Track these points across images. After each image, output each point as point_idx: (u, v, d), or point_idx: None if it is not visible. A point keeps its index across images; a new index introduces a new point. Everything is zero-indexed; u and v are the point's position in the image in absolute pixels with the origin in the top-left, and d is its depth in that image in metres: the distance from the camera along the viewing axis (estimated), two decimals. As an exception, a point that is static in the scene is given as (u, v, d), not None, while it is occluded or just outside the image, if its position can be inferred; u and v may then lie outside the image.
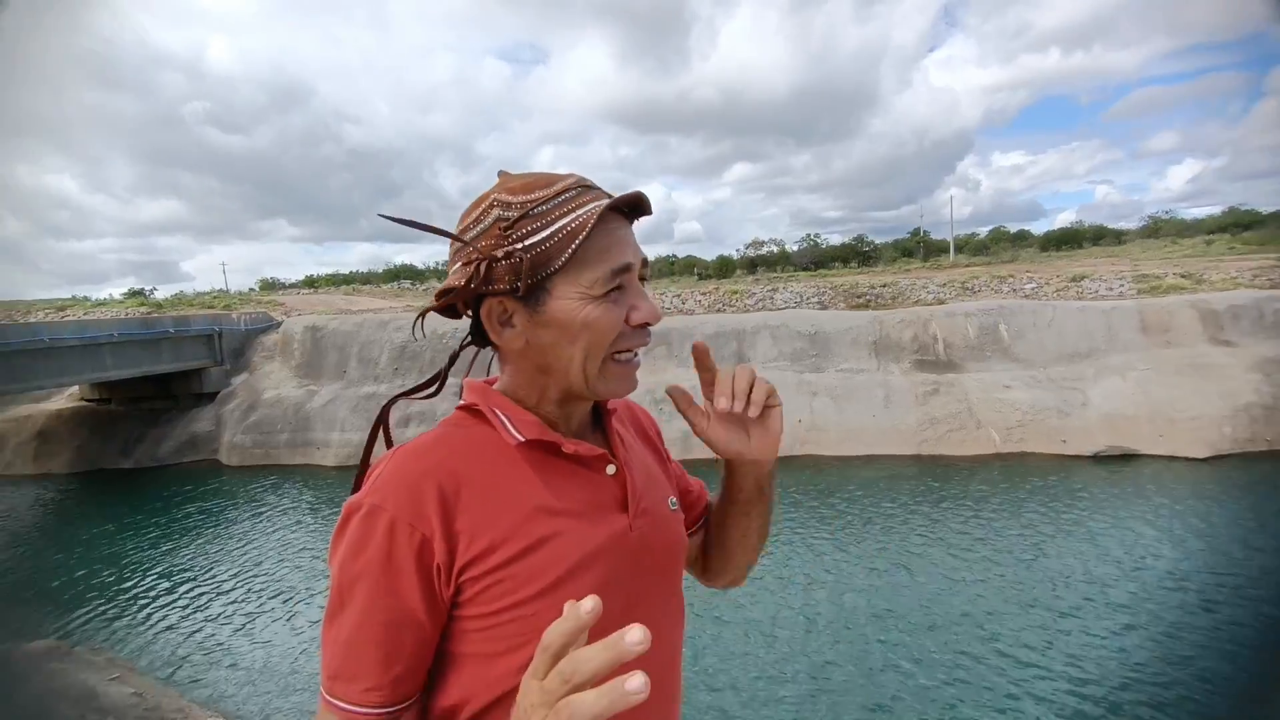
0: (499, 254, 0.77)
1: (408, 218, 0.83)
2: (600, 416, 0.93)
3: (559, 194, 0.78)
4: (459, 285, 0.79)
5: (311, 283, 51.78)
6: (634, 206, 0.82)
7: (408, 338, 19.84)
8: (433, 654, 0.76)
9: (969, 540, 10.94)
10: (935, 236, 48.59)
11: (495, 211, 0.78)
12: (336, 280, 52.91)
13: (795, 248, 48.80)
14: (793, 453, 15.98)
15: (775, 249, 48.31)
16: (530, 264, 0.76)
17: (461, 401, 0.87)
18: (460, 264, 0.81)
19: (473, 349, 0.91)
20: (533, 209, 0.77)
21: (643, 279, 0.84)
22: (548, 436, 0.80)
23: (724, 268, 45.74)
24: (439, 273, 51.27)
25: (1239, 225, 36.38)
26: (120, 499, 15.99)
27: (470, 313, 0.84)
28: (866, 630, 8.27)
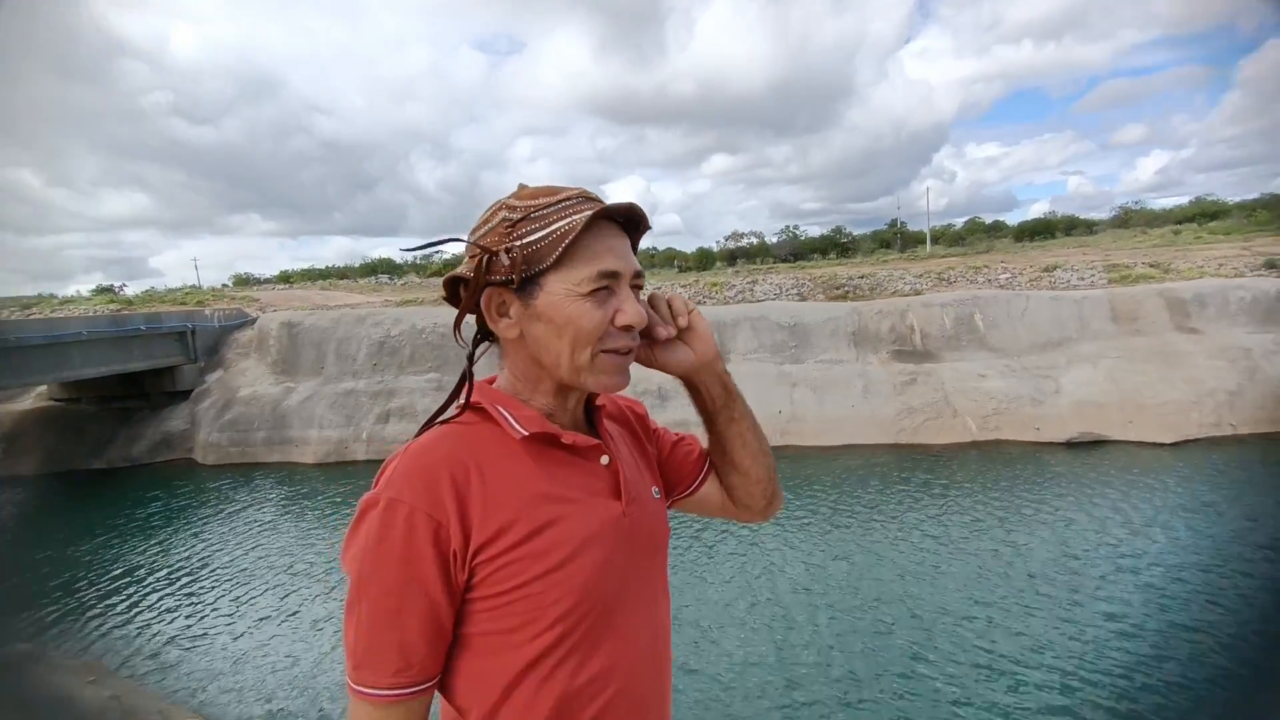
0: (499, 249, 0.85)
1: (422, 243, 0.98)
2: (592, 411, 1.00)
3: (560, 201, 0.86)
4: (460, 273, 0.89)
5: (286, 278, 50.96)
6: (631, 221, 0.90)
7: (386, 333, 19.66)
8: (450, 636, 0.81)
9: (945, 527, 11.12)
10: (912, 228, 49.09)
11: (502, 214, 0.87)
12: (312, 275, 52.16)
13: (774, 240, 49.06)
14: (773, 443, 15.90)
15: (755, 241, 48.50)
16: (524, 258, 0.84)
17: (463, 402, 0.93)
18: (468, 259, 0.89)
19: (481, 347, 0.99)
20: (533, 212, 0.85)
21: (636, 288, 0.91)
22: (548, 429, 0.87)
23: (704, 260, 45.83)
24: (417, 267, 50.74)
25: (1206, 215, 37.22)
26: (92, 500, 15.70)
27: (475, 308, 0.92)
28: (844, 617, 8.39)
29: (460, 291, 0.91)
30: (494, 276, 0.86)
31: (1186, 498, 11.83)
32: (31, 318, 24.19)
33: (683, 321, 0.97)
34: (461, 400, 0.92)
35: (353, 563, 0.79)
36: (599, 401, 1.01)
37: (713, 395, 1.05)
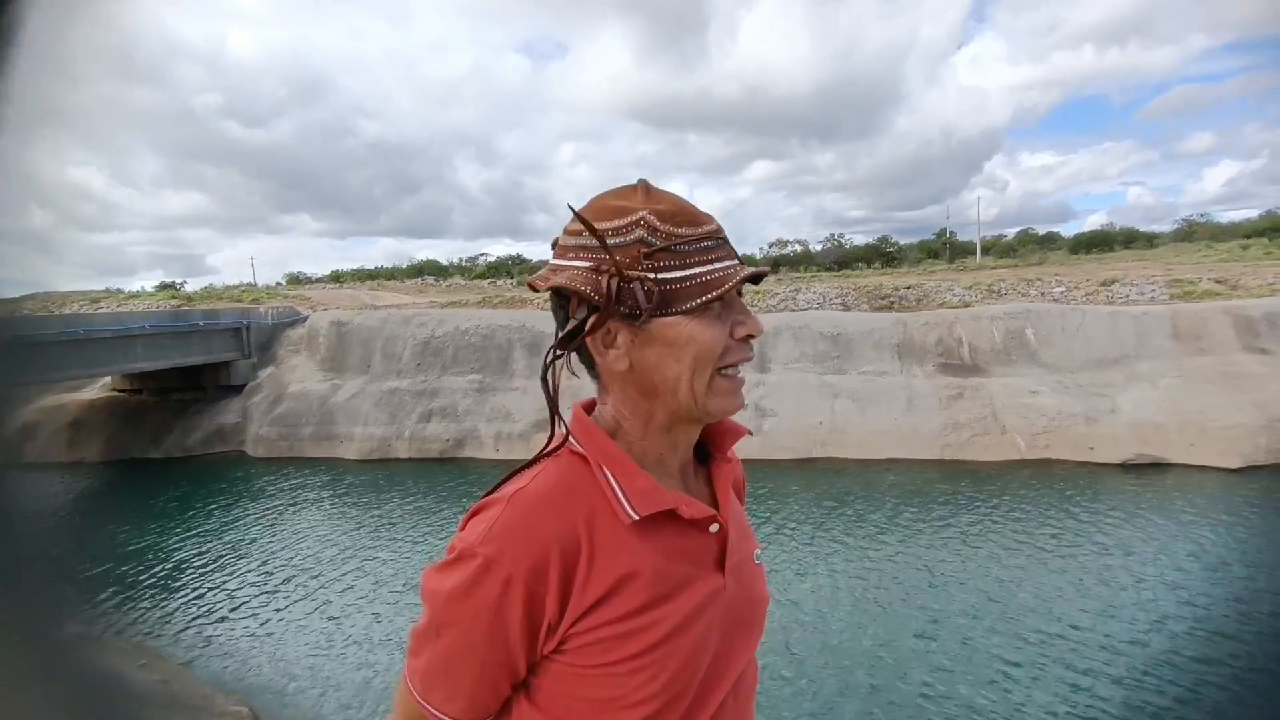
0: (634, 275, 0.76)
1: (576, 212, 0.80)
2: (702, 452, 0.92)
3: (702, 239, 0.78)
4: (583, 291, 0.77)
5: (337, 277, 52.39)
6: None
7: (430, 333, 20.03)
8: (518, 685, 0.79)
9: (992, 548, 10.78)
10: (961, 238, 47.86)
11: (640, 231, 0.77)
12: (361, 275, 53.46)
13: (819, 247, 48.41)
14: (813, 455, 15.87)
15: (798, 248, 47.98)
16: (660, 298, 0.76)
17: (570, 439, 0.83)
18: (587, 265, 0.78)
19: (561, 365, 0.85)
20: (676, 244, 0.77)
21: (739, 293, 0.84)
22: (663, 505, 0.78)
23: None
24: (462, 269, 51.56)
25: (1277, 229, 35.42)
26: (149, 487, 16.35)
27: (575, 316, 0.81)
28: (885, 636, 8.19)
29: (571, 307, 0.80)
30: (619, 308, 0.76)
31: (1263, 527, 11.24)
32: (99, 312, 25.34)
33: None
34: (557, 442, 0.83)
35: (436, 601, 0.75)
36: (729, 454, 0.92)
37: None
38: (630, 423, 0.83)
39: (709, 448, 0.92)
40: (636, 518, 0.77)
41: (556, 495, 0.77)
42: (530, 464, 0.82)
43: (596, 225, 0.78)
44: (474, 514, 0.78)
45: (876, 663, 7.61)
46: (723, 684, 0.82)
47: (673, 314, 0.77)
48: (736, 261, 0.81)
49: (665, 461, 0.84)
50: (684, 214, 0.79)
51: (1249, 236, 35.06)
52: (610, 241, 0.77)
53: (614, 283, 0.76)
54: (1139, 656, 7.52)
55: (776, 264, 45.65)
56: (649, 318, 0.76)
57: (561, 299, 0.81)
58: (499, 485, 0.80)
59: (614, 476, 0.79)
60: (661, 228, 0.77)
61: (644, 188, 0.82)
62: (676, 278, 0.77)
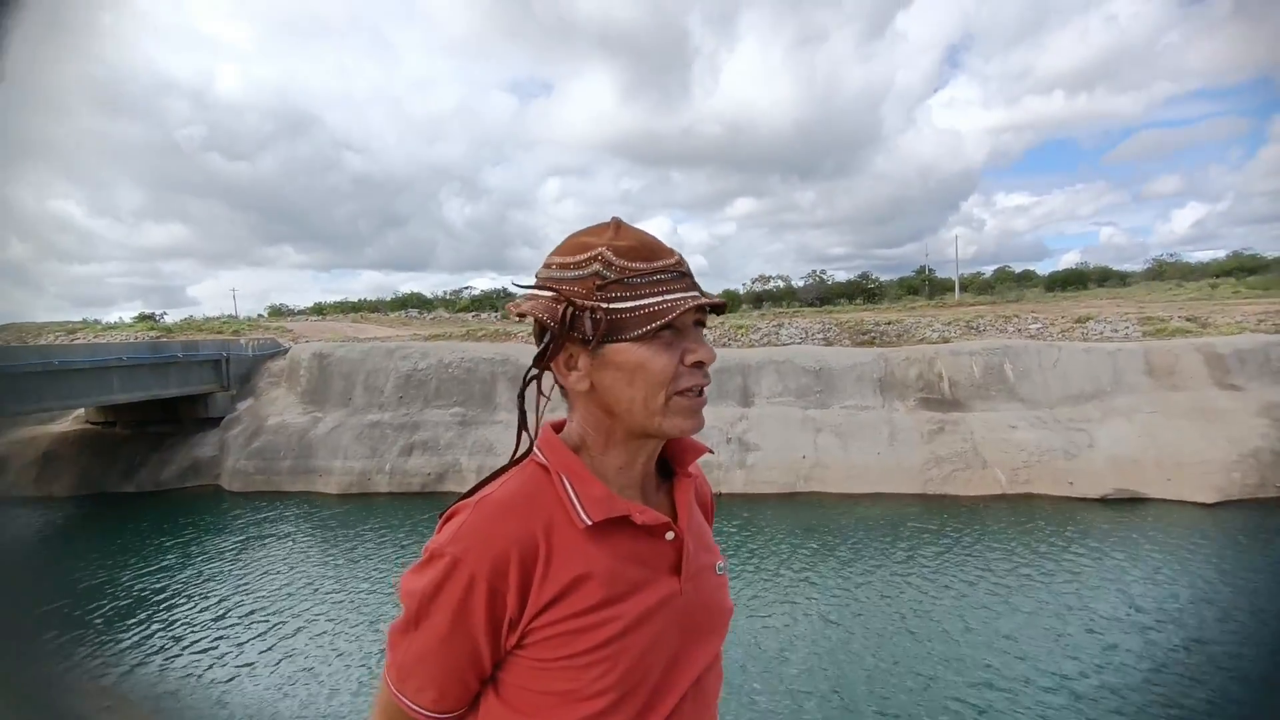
0: (585, 305, 0.84)
1: (523, 284, 0.90)
2: (665, 464, 0.98)
3: (655, 272, 0.85)
4: (542, 318, 0.85)
5: (320, 310, 52.13)
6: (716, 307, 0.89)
7: (413, 366, 19.92)
8: (485, 679, 0.86)
9: (974, 585, 10.76)
10: (940, 275, 48.86)
11: (596, 265, 0.85)
12: (345, 307, 53.28)
13: (801, 283, 49.09)
14: (796, 489, 15.84)
15: (781, 284, 48.60)
16: (607, 326, 0.84)
17: (535, 452, 0.90)
18: (551, 295, 0.86)
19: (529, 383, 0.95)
20: (628, 277, 0.84)
21: (699, 324, 0.90)
22: (614, 512, 0.85)
23: (729, 303, 45.79)
24: (446, 302, 51.60)
25: (1244, 269, 36.47)
26: (120, 523, 15.93)
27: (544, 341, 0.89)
28: (860, 670, 8.10)
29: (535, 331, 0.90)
30: (572, 334, 0.84)
31: (1237, 563, 11.34)
32: (76, 343, 24.96)
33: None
34: (522, 452, 0.92)
35: (411, 599, 0.83)
36: (691, 469, 0.99)
37: None
38: (593, 438, 0.90)
39: (671, 464, 0.98)
40: (590, 523, 0.84)
41: (518, 501, 0.85)
42: (499, 473, 0.90)
43: (561, 260, 0.87)
44: (447, 518, 0.86)
45: (827, 701, 7.51)
46: (679, 683, 0.87)
47: (622, 340, 0.84)
48: (695, 294, 0.87)
49: (625, 474, 0.91)
50: (643, 249, 0.86)
51: (1217, 276, 36.06)
52: (570, 274, 0.86)
53: (568, 311, 0.84)
54: (1095, 696, 7.49)
55: (760, 299, 46.10)
56: (598, 344, 0.84)
57: (540, 325, 0.88)
58: (470, 492, 0.88)
59: (571, 485, 0.86)
60: (616, 262, 0.85)
61: (615, 225, 0.89)
62: (626, 308, 0.84)
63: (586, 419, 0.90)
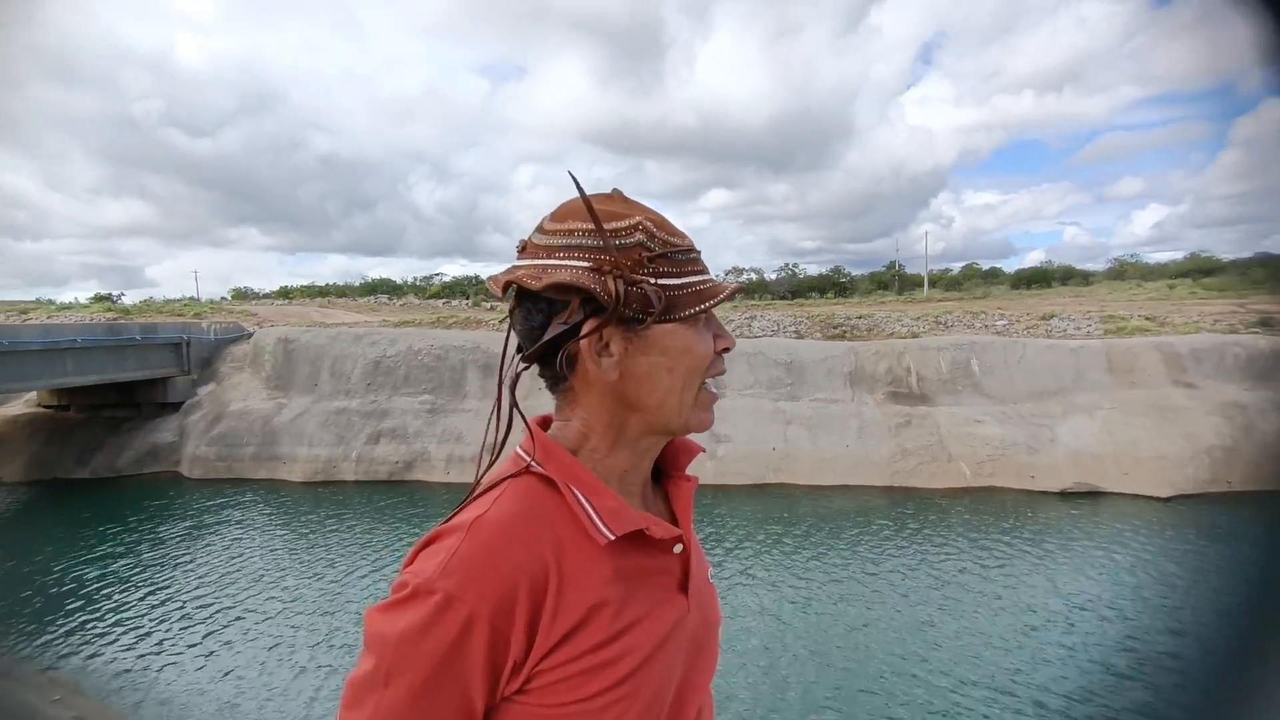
0: (638, 279, 0.72)
1: (580, 187, 0.75)
2: (656, 471, 0.87)
3: (688, 249, 0.77)
4: (594, 290, 0.70)
5: (286, 293, 50.98)
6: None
7: (382, 352, 19.60)
8: None
9: (937, 575, 10.97)
10: (910, 270, 49.45)
11: (640, 235, 0.74)
12: (311, 292, 52.18)
13: (773, 276, 49.38)
14: (765, 481, 15.97)
15: (753, 277, 48.80)
16: (666, 304, 0.73)
17: (522, 456, 0.76)
18: (586, 265, 0.72)
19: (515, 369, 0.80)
20: (672, 252, 0.75)
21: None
22: (635, 525, 0.73)
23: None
24: (416, 288, 50.78)
25: (1200, 271, 37.57)
26: (73, 510, 15.44)
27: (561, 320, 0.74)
28: (825, 658, 8.21)
29: (573, 308, 0.73)
30: (625, 311, 0.71)
31: (1190, 556, 11.74)
32: (28, 323, 24.10)
33: None
34: (507, 457, 0.78)
35: (385, 645, 0.66)
36: (690, 473, 0.88)
37: None
38: (598, 438, 0.78)
39: (665, 466, 0.87)
40: (612, 538, 0.71)
41: (521, 522, 0.71)
42: (486, 488, 0.74)
43: (585, 227, 0.73)
44: (426, 545, 0.70)
45: (789, 689, 7.61)
46: (687, 714, 0.78)
47: (670, 321, 0.74)
48: (734, 285, 0.80)
49: (628, 479, 0.79)
50: (667, 223, 0.77)
51: (1175, 277, 37.12)
52: (611, 243, 0.72)
53: (619, 284, 0.71)
54: (1048, 687, 7.70)
55: (733, 291, 46.22)
56: (653, 323, 0.73)
57: (535, 304, 0.74)
58: (454, 513, 0.72)
59: (585, 497, 0.73)
60: (658, 234, 0.75)
61: (620, 196, 0.78)
62: (676, 284, 0.74)
63: (596, 415, 0.77)
